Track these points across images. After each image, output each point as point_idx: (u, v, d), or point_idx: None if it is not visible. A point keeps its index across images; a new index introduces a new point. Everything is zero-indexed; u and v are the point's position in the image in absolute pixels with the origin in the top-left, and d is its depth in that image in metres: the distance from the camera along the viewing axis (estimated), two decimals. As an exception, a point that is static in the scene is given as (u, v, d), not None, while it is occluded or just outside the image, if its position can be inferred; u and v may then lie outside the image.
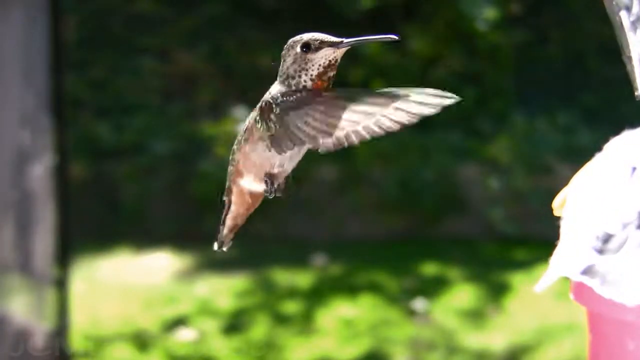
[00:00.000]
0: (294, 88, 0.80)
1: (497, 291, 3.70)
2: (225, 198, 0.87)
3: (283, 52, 0.81)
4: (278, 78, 0.82)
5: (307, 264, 4.01)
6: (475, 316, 3.49)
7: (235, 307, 3.61)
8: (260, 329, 3.41)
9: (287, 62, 0.81)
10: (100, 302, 3.62)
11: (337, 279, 3.89)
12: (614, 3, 0.67)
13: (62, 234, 2.77)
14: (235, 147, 0.84)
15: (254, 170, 0.84)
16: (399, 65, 4.60)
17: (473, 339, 3.30)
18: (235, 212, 0.87)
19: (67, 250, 2.86)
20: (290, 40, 0.81)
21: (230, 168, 0.85)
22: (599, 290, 0.55)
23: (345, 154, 4.13)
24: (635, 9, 0.66)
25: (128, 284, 3.81)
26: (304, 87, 0.80)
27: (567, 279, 0.60)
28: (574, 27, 4.73)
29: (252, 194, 0.85)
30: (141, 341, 3.28)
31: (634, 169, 0.58)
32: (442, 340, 3.29)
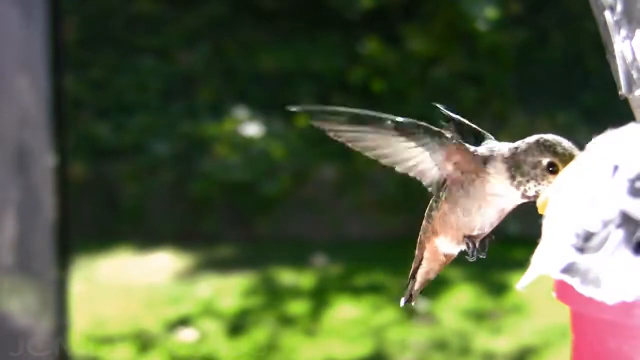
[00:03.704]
0: (516, 183, 0.78)
1: (498, 291, 3.70)
2: (417, 252, 0.85)
3: (531, 141, 0.78)
4: (506, 149, 0.79)
5: (308, 264, 4.01)
6: (477, 316, 3.49)
7: (236, 307, 3.60)
8: (262, 329, 3.41)
9: (527, 160, 0.77)
10: (101, 302, 3.62)
11: (337, 279, 3.89)
12: (598, 3, 0.67)
13: (62, 234, 2.77)
14: (432, 203, 0.83)
15: (451, 231, 0.82)
16: (399, 65, 4.60)
17: (475, 339, 3.30)
18: (427, 268, 0.86)
19: (67, 250, 2.87)
20: (544, 140, 0.77)
21: (425, 223, 0.84)
22: (580, 289, 0.55)
23: (345, 154, 4.13)
24: (618, 9, 0.66)
25: (128, 284, 3.82)
26: (525, 191, 0.79)
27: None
28: (574, 27, 4.73)
29: (447, 254, 0.85)
30: (142, 341, 3.28)
31: (616, 167, 0.58)
32: (445, 341, 3.29)
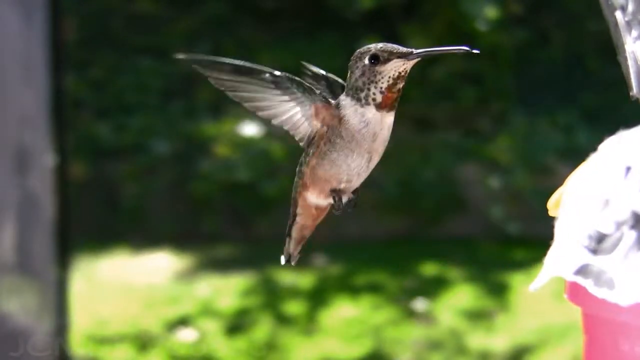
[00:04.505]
0: (363, 101, 0.80)
1: (497, 291, 3.70)
2: (291, 209, 0.87)
3: (350, 62, 0.81)
4: (346, 90, 0.81)
5: (307, 264, 4.01)
6: (476, 316, 3.49)
7: (236, 307, 3.60)
8: (261, 329, 3.41)
9: (356, 74, 0.80)
10: (101, 302, 3.62)
11: (337, 279, 3.89)
12: (609, 3, 0.67)
13: (62, 234, 2.77)
14: (302, 159, 0.84)
15: (320, 184, 0.83)
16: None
17: (474, 338, 3.30)
18: (301, 224, 0.87)
19: (67, 250, 2.87)
20: (358, 51, 0.81)
21: (296, 180, 0.85)
22: (593, 291, 0.55)
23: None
24: (630, 9, 0.66)
25: (128, 284, 3.81)
26: (374, 99, 0.80)
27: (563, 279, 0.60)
28: (574, 27, 4.73)
29: (318, 207, 0.85)
30: (142, 341, 3.28)
31: (629, 168, 0.58)
32: (444, 341, 3.29)
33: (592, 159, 0.64)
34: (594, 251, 0.56)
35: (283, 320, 3.49)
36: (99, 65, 4.79)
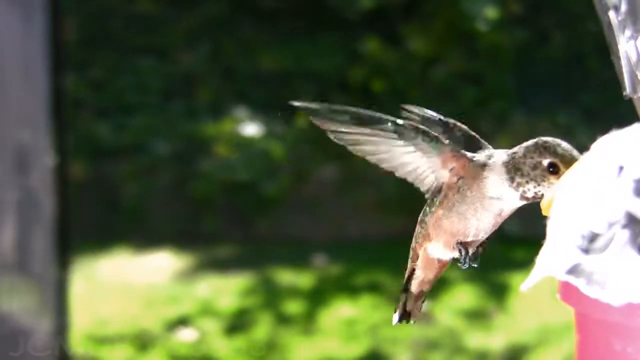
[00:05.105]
0: (514, 184, 0.77)
1: (498, 291, 3.70)
2: (409, 261, 0.84)
3: (529, 143, 0.77)
4: (507, 155, 0.78)
5: (307, 264, 4.01)
6: (476, 316, 3.49)
7: (236, 307, 3.61)
8: (261, 329, 3.41)
9: (527, 159, 0.76)
10: (101, 302, 3.62)
11: (337, 279, 3.89)
12: (602, 3, 0.67)
13: (62, 234, 2.77)
14: (426, 208, 0.81)
15: (445, 236, 0.80)
16: (399, 65, 4.60)
17: (474, 338, 3.30)
18: (421, 278, 0.85)
19: (67, 250, 2.87)
20: (545, 142, 0.76)
21: (418, 229, 0.82)
22: (585, 290, 0.55)
23: (345, 154, 4.11)
24: (623, 9, 0.66)
25: (128, 284, 3.82)
26: (524, 192, 0.77)
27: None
28: (574, 27, 4.72)
29: (440, 260, 0.83)
30: (142, 341, 3.28)
31: (621, 167, 0.58)
32: (443, 340, 3.29)
33: (585, 158, 0.63)
34: (586, 250, 0.56)
35: (283, 320, 3.49)
36: (99, 65, 4.79)
